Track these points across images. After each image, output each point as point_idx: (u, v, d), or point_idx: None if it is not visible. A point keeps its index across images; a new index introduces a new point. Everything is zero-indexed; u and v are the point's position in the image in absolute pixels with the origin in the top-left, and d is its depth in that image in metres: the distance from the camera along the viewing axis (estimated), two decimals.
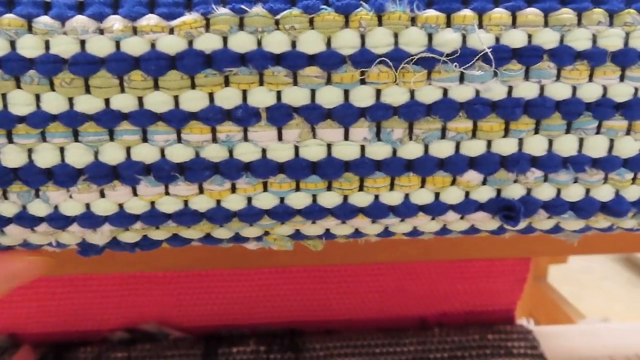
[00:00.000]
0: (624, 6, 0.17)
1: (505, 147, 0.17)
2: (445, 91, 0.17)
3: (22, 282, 0.19)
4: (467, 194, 0.18)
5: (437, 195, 0.18)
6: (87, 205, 0.17)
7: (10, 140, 0.16)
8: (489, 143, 0.17)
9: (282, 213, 0.18)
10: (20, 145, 0.16)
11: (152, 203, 0.17)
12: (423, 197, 0.18)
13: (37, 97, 0.16)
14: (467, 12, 0.16)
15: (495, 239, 0.27)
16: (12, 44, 0.16)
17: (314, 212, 0.18)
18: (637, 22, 0.17)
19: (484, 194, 0.18)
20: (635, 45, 0.17)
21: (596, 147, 0.18)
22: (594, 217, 0.19)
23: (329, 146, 0.17)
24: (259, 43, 0.16)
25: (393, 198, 0.18)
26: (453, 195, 0.18)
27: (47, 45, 0.16)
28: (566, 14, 0.17)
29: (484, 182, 0.18)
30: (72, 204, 0.17)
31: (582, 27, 0.17)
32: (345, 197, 0.18)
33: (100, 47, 0.16)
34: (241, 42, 0.16)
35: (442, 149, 0.17)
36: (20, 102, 0.16)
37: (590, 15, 0.17)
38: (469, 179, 0.18)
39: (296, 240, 0.19)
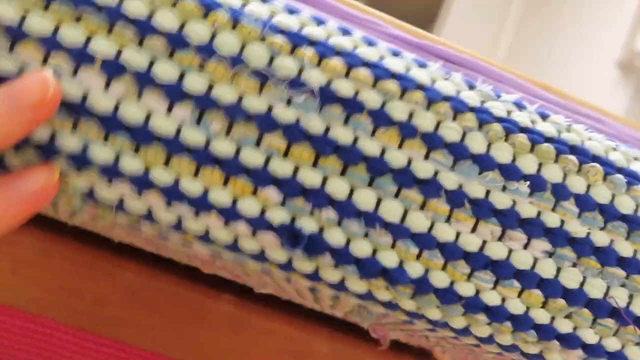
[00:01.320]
0: (440, 99, 0.19)
1: (310, 177, 0.19)
2: (270, 107, 0.18)
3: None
4: (263, 210, 0.19)
5: (235, 200, 0.18)
6: None
7: None
8: (296, 169, 0.18)
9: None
10: None
11: None
12: (222, 196, 0.18)
13: None
14: (308, 51, 0.19)
15: None
16: None
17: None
18: (448, 115, 0.19)
19: (279, 215, 0.19)
20: (444, 134, 0.19)
21: (391, 212, 0.19)
22: (374, 281, 0.19)
23: (148, 113, 0.18)
24: None
25: (192, 186, 0.18)
26: (249, 205, 0.18)
27: None
28: (392, 85, 0.19)
29: (282, 204, 0.19)
30: None
31: (403, 101, 0.19)
32: (148, 168, 0.18)
33: None
34: None
35: (252, 157, 0.18)
36: None
37: (412, 94, 0.19)
38: (267, 195, 0.18)
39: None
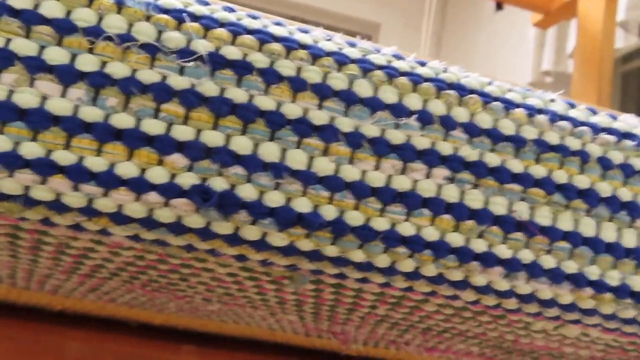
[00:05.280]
0: (324, 54, 0.21)
1: (212, 138, 0.19)
2: (164, 77, 0.19)
3: None
4: (171, 177, 0.19)
5: (143, 171, 0.19)
6: None
7: None
8: (198, 132, 0.19)
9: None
10: None
11: None
12: (128, 169, 0.19)
13: None
14: (193, 24, 0.20)
15: None
16: None
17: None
18: (333, 67, 0.21)
19: (188, 179, 0.19)
20: (332, 84, 0.21)
21: (296, 160, 0.20)
22: (293, 230, 0.20)
23: (43, 98, 0.18)
24: None
25: (97, 164, 0.19)
26: (158, 174, 0.19)
27: None
28: (277, 46, 0.21)
29: (190, 169, 0.19)
30: None
31: (289, 59, 0.21)
32: (49, 151, 0.18)
33: None
34: None
35: (152, 126, 0.19)
36: None
37: (296, 52, 0.21)
38: (173, 161, 0.19)
39: None
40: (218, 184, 0.19)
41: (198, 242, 0.20)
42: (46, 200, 0.19)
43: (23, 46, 0.18)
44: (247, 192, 0.19)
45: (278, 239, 0.20)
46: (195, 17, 0.20)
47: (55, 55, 0.18)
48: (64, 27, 0.19)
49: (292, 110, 0.20)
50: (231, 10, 0.21)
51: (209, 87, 0.19)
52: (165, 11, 0.20)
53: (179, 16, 0.20)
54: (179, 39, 0.19)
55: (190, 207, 0.19)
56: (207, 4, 0.21)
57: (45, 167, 0.18)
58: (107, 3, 0.19)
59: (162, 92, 0.19)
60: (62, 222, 0.20)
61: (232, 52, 0.20)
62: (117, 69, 0.19)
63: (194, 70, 0.19)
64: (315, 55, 0.21)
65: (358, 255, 0.21)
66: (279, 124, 0.20)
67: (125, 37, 0.19)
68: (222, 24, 0.20)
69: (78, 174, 0.18)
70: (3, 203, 0.19)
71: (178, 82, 0.19)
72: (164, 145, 0.19)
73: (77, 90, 0.18)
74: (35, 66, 0.18)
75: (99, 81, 0.19)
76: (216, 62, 0.20)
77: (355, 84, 0.21)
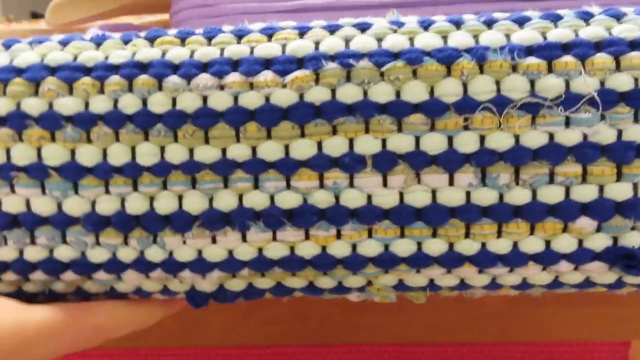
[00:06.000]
0: None
1: (620, 192, 0.17)
2: (551, 135, 0.17)
3: (110, 335, 0.18)
4: (580, 242, 0.17)
5: (547, 243, 0.17)
6: (199, 252, 0.18)
7: (135, 189, 0.18)
8: (601, 188, 0.17)
9: (386, 261, 0.18)
10: (144, 193, 0.17)
11: (260, 249, 0.18)
12: (533, 245, 0.17)
13: (162, 149, 0.17)
14: (568, 59, 0.17)
15: (587, 317, 0.25)
16: (144, 101, 0.17)
17: (419, 260, 0.18)
18: None
19: (598, 242, 0.17)
20: None
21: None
22: None
23: (433, 192, 0.17)
24: (365, 94, 0.17)
25: (501, 246, 0.17)
26: (565, 243, 0.17)
27: (174, 101, 0.17)
28: None
29: (599, 229, 0.17)
30: (185, 249, 0.18)
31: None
32: (451, 245, 0.17)
33: (220, 101, 0.17)
34: (349, 93, 0.17)
35: (551, 194, 0.17)
36: (147, 153, 0.17)
37: None
38: (581, 225, 0.17)
39: (399, 292, 0.19)
40: (635, 239, 0.17)
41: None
42: (450, 285, 0.18)
43: (401, 143, 0.17)
44: None
45: None
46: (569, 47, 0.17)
47: (433, 143, 0.17)
48: (434, 110, 0.17)
49: None
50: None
51: (605, 134, 0.17)
52: (531, 51, 0.17)
53: (550, 54, 0.17)
54: (557, 84, 0.16)
55: (602, 269, 0.17)
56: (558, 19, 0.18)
57: (453, 260, 0.17)
58: (468, 65, 0.17)
59: (554, 154, 0.17)
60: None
61: (622, 82, 0.16)
62: (501, 141, 0.17)
63: (582, 118, 0.16)
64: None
65: None
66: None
67: (498, 100, 0.17)
68: (595, 46, 0.17)
69: (484, 260, 0.17)
70: (411, 292, 0.19)
71: (568, 136, 0.17)
72: (567, 213, 0.17)
73: (465, 175, 0.17)
74: (419, 161, 0.17)
75: (485, 159, 0.17)
76: (607, 100, 0.16)
77: None
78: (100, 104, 0.17)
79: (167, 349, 0.33)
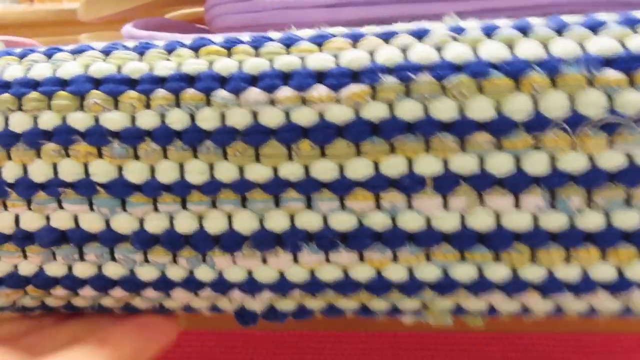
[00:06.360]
0: None
1: None
2: (630, 157, 0.15)
3: (161, 348, 0.18)
4: None
5: (619, 270, 0.16)
6: (249, 272, 0.17)
7: (184, 207, 0.17)
8: None
9: (444, 285, 0.17)
10: (193, 212, 0.17)
11: (312, 271, 0.17)
12: (604, 272, 0.16)
13: (211, 166, 0.17)
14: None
15: None
16: (192, 116, 0.17)
17: (479, 285, 0.17)
18: None
19: None
20: None
21: None
22: None
23: (497, 215, 0.16)
24: (426, 110, 0.16)
25: (569, 272, 0.16)
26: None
27: (222, 117, 0.17)
28: None
29: None
30: (235, 269, 0.17)
31: None
32: (515, 270, 0.16)
33: (271, 117, 0.16)
34: (408, 110, 0.16)
35: (627, 219, 0.16)
36: (195, 171, 0.17)
37: None
38: None
39: (455, 316, 0.18)
40: None
41: None
42: (510, 310, 0.17)
43: (463, 163, 0.16)
44: None
45: None
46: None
47: (499, 163, 0.16)
48: (501, 128, 0.16)
49: None
50: None
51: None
52: (609, 63, 0.15)
53: (630, 66, 0.15)
54: (638, 100, 0.15)
55: None
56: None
57: (517, 286, 0.16)
58: (539, 78, 0.15)
59: (633, 176, 0.15)
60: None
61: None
62: (574, 162, 0.15)
63: None
64: None
65: None
66: None
67: (573, 118, 0.15)
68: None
69: (550, 287, 0.16)
70: (468, 316, 0.18)
71: None
72: None
73: (532, 198, 0.16)
74: (483, 182, 0.16)
75: (555, 181, 0.16)
76: None
77: None
78: (147, 119, 0.17)
79: (186, 333, 0.32)
